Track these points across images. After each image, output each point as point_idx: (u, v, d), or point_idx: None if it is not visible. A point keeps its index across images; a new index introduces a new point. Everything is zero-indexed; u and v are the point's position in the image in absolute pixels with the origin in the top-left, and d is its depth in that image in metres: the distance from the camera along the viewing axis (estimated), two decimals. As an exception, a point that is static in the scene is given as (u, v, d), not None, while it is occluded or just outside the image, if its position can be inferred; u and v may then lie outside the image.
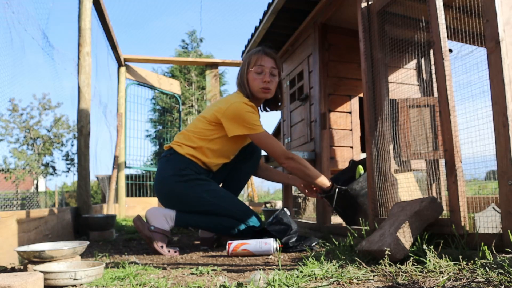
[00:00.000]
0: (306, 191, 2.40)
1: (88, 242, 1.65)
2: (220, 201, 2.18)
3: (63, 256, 1.48)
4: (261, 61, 2.20)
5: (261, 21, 3.12)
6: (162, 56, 6.73)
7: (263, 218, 3.75)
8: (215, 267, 1.58)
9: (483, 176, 1.88)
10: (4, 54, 2.27)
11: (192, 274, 1.47)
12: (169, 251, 2.09)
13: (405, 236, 1.46)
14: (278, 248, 1.96)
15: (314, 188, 2.36)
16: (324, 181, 2.18)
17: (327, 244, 2.06)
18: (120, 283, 1.30)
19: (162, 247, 2.09)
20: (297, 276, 1.25)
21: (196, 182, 2.17)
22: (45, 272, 1.26)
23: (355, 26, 2.20)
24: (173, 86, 6.51)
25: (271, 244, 1.92)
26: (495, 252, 1.27)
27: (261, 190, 14.74)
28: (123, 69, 5.54)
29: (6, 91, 2.30)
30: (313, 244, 2.07)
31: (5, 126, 18.03)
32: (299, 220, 3.25)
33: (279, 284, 1.15)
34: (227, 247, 1.95)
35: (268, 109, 2.42)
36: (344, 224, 2.60)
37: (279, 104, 2.41)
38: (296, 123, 3.19)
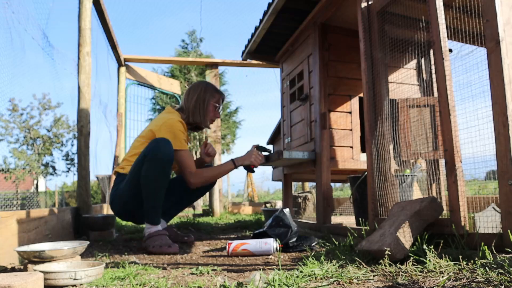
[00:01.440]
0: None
1: (88, 242, 1.65)
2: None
3: (63, 256, 1.48)
4: (220, 102, 2.57)
5: (261, 21, 3.12)
6: (162, 56, 6.72)
7: (263, 218, 3.75)
8: (215, 267, 1.58)
9: (483, 176, 1.88)
10: (4, 54, 2.27)
11: (192, 274, 1.47)
12: (170, 246, 2.13)
13: (405, 236, 1.46)
14: (278, 248, 1.96)
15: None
16: (229, 166, 2.42)
17: (327, 244, 2.06)
18: (120, 283, 1.30)
19: (153, 247, 2.13)
20: (297, 276, 1.25)
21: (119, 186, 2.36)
22: (45, 272, 1.26)
23: (355, 26, 2.20)
24: (173, 86, 6.51)
25: (271, 244, 1.92)
26: (495, 252, 1.27)
27: (261, 190, 14.75)
28: (123, 69, 5.54)
29: (6, 91, 2.29)
30: (313, 244, 2.07)
31: (5, 126, 18.03)
32: (299, 220, 3.25)
33: (279, 284, 1.15)
34: (227, 247, 1.95)
35: (191, 130, 2.68)
36: (344, 224, 2.60)
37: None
38: (296, 123, 3.19)
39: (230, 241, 1.98)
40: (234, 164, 2.42)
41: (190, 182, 2.33)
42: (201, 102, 2.47)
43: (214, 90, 2.54)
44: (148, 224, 2.23)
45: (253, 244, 1.93)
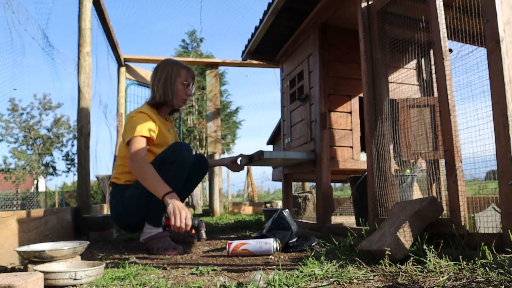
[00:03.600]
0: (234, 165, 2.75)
1: (88, 242, 1.65)
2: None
3: (63, 256, 1.48)
4: (189, 79, 2.42)
5: (261, 21, 3.12)
6: (162, 56, 6.72)
7: (263, 219, 3.75)
8: (215, 267, 1.58)
9: (483, 176, 1.88)
10: (4, 54, 2.27)
11: (192, 274, 1.47)
12: (175, 249, 2.12)
13: (405, 236, 1.46)
14: (278, 248, 1.96)
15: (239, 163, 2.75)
16: (157, 190, 1.98)
17: (327, 244, 2.06)
18: (120, 283, 1.30)
19: (158, 249, 2.12)
20: (297, 276, 1.25)
21: (123, 196, 2.29)
22: (45, 272, 1.26)
23: (355, 26, 2.20)
24: (173, 86, 6.50)
25: (271, 244, 1.92)
26: (495, 252, 1.27)
27: (261, 190, 14.75)
28: (123, 69, 5.54)
29: (6, 91, 2.30)
30: (313, 244, 2.08)
31: (5, 126, 18.02)
32: (299, 220, 3.25)
33: (279, 284, 1.15)
34: (227, 247, 1.95)
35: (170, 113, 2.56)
36: (344, 224, 2.60)
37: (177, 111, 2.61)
38: (296, 123, 3.19)
39: (230, 241, 1.98)
40: (162, 195, 1.94)
41: (130, 162, 2.10)
42: (168, 82, 2.35)
43: (181, 66, 2.40)
44: (151, 226, 2.21)
45: (253, 244, 1.93)
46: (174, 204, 1.90)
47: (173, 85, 2.35)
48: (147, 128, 2.21)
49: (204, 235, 2.33)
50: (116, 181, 2.37)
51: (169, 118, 2.58)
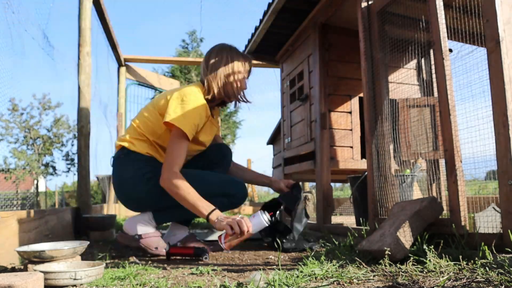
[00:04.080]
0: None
1: (88, 242, 1.65)
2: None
3: (63, 256, 1.48)
4: (249, 73, 2.17)
5: (261, 21, 3.12)
6: (162, 56, 6.73)
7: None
8: (215, 267, 1.58)
9: (483, 176, 1.88)
10: (4, 54, 2.27)
11: (192, 274, 1.47)
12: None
13: (405, 236, 1.46)
14: (269, 217, 1.76)
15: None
16: (201, 211, 1.78)
17: (327, 244, 2.06)
18: (120, 283, 1.30)
19: (156, 248, 2.02)
20: (297, 276, 1.25)
21: (157, 180, 1.91)
22: (45, 272, 1.26)
23: (355, 26, 2.20)
24: (174, 86, 6.51)
25: (259, 216, 1.75)
26: (495, 252, 1.27)
27: (261, 190, 14.74)
28: (123, 69, 5.54)
29: (6, 91, 2.30)
30: (314, 247, 2.07)
31: (5, 126, 18.01)
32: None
33: (279, 284, 1.15)
34: (219, 242, 1.75)
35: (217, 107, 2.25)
36: (344, 224, 2.60)
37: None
38: (296, 123, 3.19)
39: (219, 235, 1.77)
40: (207, 214, 1.77)
41: (162, 177, 1.87)
42: (232, 74, 2.03)
43: (243, 57, 2.11)
44: (153, 221, 2.06)
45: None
46: (223, 219, 1.72)
47: (236, 78, 2.06)
48: (193, 124, 1.91)
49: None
50: (130, 146, 2.02)
51: (216, 109, 2.26)
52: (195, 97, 1.96)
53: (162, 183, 1.86)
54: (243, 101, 2.19)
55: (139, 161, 2.02)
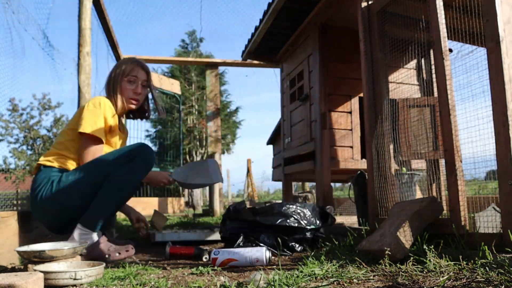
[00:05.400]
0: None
1: (88, 242, 1.65)
2: (91, 175, 1.87)
3: (63, 256, 1.48)
4: (136, 72, 2.15)
5: (261, 21, 3.12)
6: (162, 56, 6.72)
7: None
8: (215, 267, 1.58)
9: (483, 176, 1.88)
10: (4, 54, 2.27)
11: (192, 274, 1.47)
12: (121, 252, 1.81)
13: (405, 236, 1.46)
14: (270, 257, 1.68)
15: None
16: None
17: (327, 244, 2.06)
18: (120, 283, 1.30)
19: (109, 256, 1.78)
20: (297, 276, 1.25)
21: (59, 180, 1.86)
22: (45, 272, 1.26)
23: (355, 26, 2.20)
24: (174, 86, 6.50)
25: (263, 254, 1.65)
26: (495, 252, 1.27)
27: (261, 190, 14.74)
28: (123, 69, 5.54)
29: (6, 91, 2.30)
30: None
31: (5, 126, 18.02)
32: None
33: (279, 284, 1.15)
34: (211, 260, 1.66)
35: (131, 117, 2.31)
36: (344, 224, 2.60)
37: (146, 114, 2.31)
38: (296, 123, 3.19)
39: (214, 255, 1.65)
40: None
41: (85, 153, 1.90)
42: (114, 81, 2.10)
43: (126, 62, 2.15)
44: (89, 230, 1.81)
45: (242, 261, 1.65)
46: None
47: (119, 83, 2.10)
48: (101, 127, 1.96)
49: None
50: (48, 164, 1.93)
51: (123, 125, 2.29)
52: (104, 98, 2.05)
53: (85, 156, 1.90)
54: (128, 109, 2.18)
55: (57, 173, 1.94)
